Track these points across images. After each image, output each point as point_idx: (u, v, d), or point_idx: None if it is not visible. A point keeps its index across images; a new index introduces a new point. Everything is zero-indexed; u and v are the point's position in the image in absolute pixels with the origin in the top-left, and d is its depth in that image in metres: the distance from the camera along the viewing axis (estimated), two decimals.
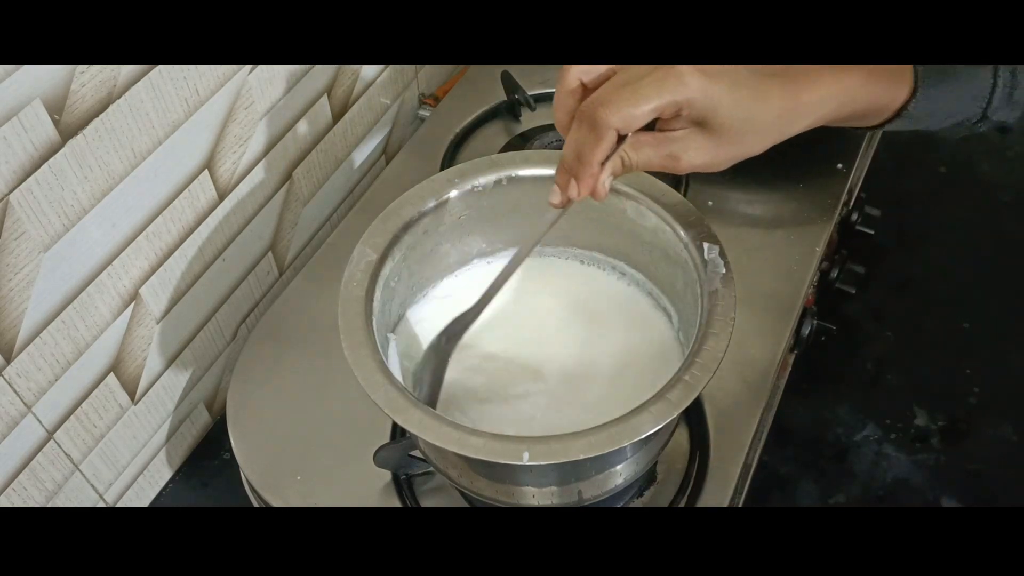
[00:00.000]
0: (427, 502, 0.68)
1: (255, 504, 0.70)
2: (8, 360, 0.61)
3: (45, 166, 0.59)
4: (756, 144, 0.55)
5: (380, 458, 0.67)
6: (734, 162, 0.56)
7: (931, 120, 0.60)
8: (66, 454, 0.69)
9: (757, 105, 0.53)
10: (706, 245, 0.59)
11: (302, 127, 0.83)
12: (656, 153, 0.54)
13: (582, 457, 0.51)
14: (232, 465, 0.71)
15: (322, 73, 0.83)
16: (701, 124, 0.53)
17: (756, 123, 0.54)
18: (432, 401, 0.61)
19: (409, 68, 0.98)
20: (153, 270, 0.71)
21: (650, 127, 0.54)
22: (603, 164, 0.53)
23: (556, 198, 0.56)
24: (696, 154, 0.54)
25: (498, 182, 0.65)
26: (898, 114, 0.59)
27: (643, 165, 0.55)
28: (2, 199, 0.57)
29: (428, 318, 0.67)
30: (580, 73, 0.54)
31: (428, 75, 1.02)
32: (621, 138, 0.53)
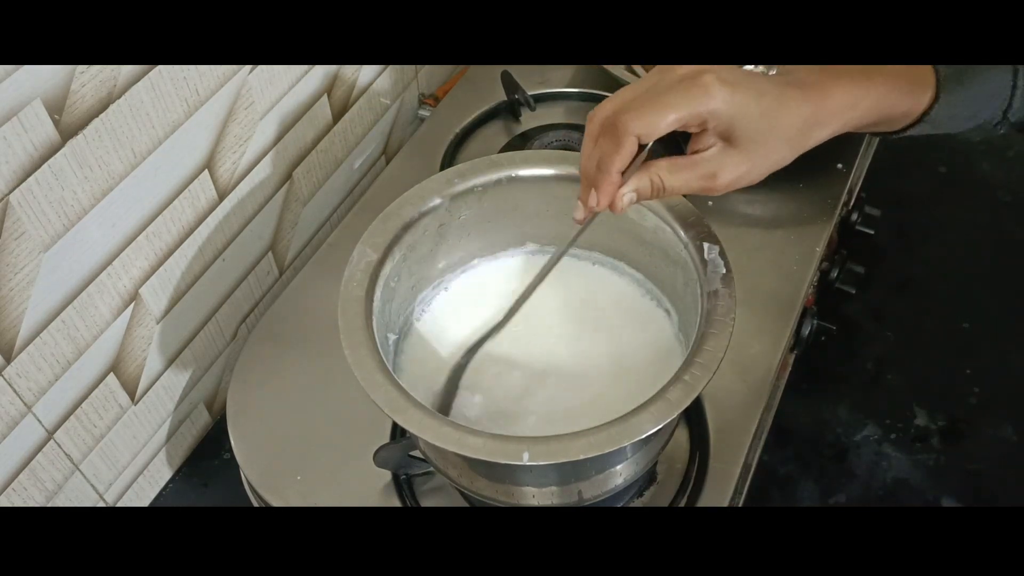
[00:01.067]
0: (427, 502, 0.68)
1: (255, 504, 0.70)
2: (8, 360, 0.61)
3: (45, 166, 0.59)
4: (785, 152, 0.54)
5: (380, 458, 0.67)
6: (768, 173, 0.55)
7: (952, 123, 0.59)
8: (66, 454, 0.69)
9: (782, 113, 0.53)
10: (706, 245, 0.59)
11: (302, 127, 0.83)
12: (693, 175, 0.54)
13: (582, 457, 0.51)
14: (232, 465, 0.71)
15: (322, 73, 0.83)
16: (729, 138, 0.53)
17: (782, 131, 0.53)
18: (445, 409, 0.62)
19: (409, 68, 0.98)
20: (153, 270, 0.71)
21: (682, 151, 0.55)
22: (623, 174, 0.53)
23: (579, 214, 0.56)
24: (731, 170, 0.54)
25: (498, 182, 0.65)
26: (921, 119, 0.58)
27: (681, 188, 0.55)
28: (2, 199, 0.57)
29: (433, 318, 0.67)
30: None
31: (428, 75, 1.02)
32: (641, 148, 0.53)
